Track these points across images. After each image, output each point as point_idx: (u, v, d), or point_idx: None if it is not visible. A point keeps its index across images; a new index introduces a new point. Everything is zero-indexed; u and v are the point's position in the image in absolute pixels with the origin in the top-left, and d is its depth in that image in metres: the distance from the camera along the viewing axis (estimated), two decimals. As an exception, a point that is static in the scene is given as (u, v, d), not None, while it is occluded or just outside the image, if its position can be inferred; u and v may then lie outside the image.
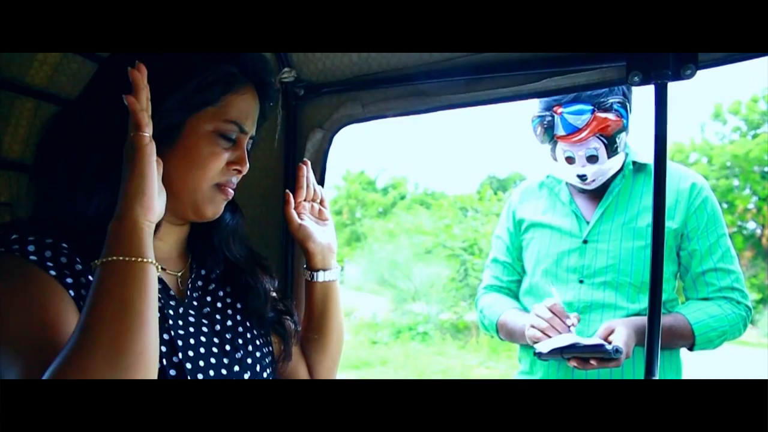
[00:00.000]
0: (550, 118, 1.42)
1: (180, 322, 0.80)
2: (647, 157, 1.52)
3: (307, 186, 1.01)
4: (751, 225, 12.47)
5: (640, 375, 1.41)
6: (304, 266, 1.01)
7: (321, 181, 1.26)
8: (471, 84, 1.09)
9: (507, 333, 1.59)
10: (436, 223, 11.14)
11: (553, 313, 1.38)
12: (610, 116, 1.38)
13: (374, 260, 11.46)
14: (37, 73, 1.08)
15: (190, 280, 0.87)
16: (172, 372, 0.75)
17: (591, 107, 1.37)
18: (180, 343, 0.77)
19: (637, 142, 1.55)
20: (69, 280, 0.70)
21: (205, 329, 0.83)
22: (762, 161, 11.73)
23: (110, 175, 0.73)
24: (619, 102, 1.38)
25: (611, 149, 1.41)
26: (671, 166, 1.50)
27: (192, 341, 0.79)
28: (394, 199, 15.25)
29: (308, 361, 1.00)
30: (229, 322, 0.87)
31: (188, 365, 0.77)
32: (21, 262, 0.69)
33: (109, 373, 0.58)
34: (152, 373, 0.62)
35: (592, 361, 1.32)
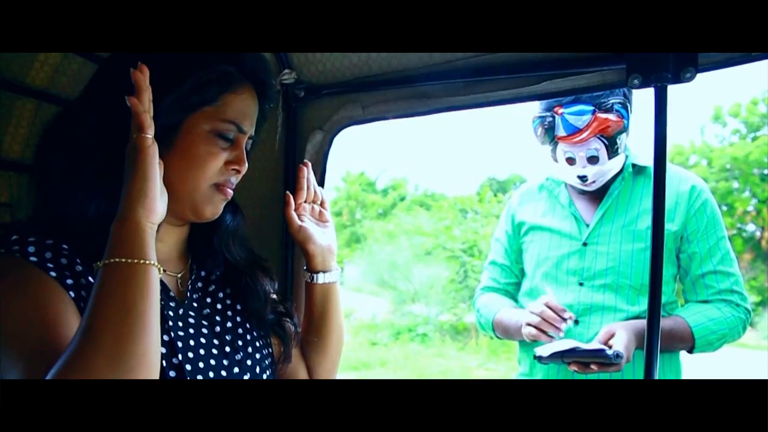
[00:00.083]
0: (550, 119, 1.42)
1: (180, 324, 0.80)
2: (647, 160, 1.52)
3: (308, 187, 1.01)
4: (751, 227, 12.48)
5: (639, 377, 1.41)
6: (304, 268, 1.01)
7: (321, 183, 1.26)
8: (471, 86, 1.09)
9: (503, 330, 1.59)
10: (436, 224, 11.14)
11: (548, 308, 1.38)
12: (611, 117, 1.38)
13: (374, 261, 11.45)
14: (37, 73, 1.08)
15: (190, 281, 0.87)
16: (172, 373, 0.75)
17: (592, 108, 1.38)
18: (180, 344, 0.77)
19: (637, 145, 1.55)
20: (69, 281, 0.70)
21: (204, 331, 0.83)
22: (762, 164, 11.73)
23: (110, 175, 0.73)
24: (619, 102, 1.39)
25: (612, 150, 1.41)
26: (671, 169, 1.50)
27: (192, 343, 0.79)
28: (394, 200, 15.24)
29: (308, 362, 1.00)
30: (229, 324, 0.87)
31: (188, 366, 0.77)
32: (21, 263, 0.69)
33: (111, 375, 0.58)
34: (153, 375, 0.62)
35: (592, 366, 1.32)
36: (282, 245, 1.27)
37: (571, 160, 1.45)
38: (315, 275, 0.99)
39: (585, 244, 1.51)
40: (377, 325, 10.36)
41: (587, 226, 1.52)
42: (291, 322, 0.96)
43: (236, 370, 0.83)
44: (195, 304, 0.85)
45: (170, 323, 0.78)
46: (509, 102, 1.09)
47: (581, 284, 1.49)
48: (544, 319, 1.38)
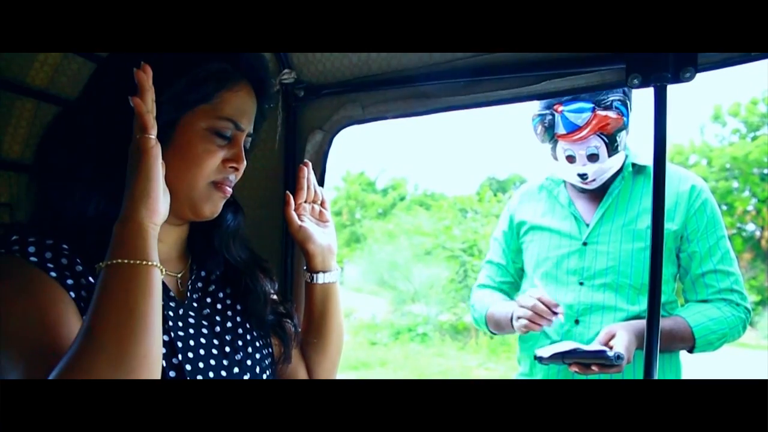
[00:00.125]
0: (550, 117, 1.43)
1: (180, 324, 0.80)
2: (647, 159, 1.52)
3: (308, 187, 1.01)
4: (751, 227, 12.48)
5: (640, 377, 1.41)
6: (304, 268, 1.01)
7: (321, 183, 1.27)
8: (471, 86, 1.10)
9: (495, 324, 1.61)
10: (436, 224, 11.14)
11: (540, 302, 1.38)
12: (611, 114, 1.38)
13: (374, 261, 11.45)
14: (37, 73, 1.08)
15: (190, 281, 0.87)
16: (172, 373, 0.75)
17: (591, 105, 1.38)
18: (180, 344, 0.77)
19: (637, 144, 1.56)
20: (69, 282, 0.70)
21: (204, 331, 0.83)
22: (761, 163, 11.73)
23: (109, 175, 0.73)
24: (619, 100, 1.39)
25: (612, 147, 1.42)
26: (671, 168, 1.50)
27: (192, 343, 0.79)
28: (393, 200, 15.25)
29: (308, 362, 1.00)
30: (229, 324, 0.87)
31: (188, 367, 0.76)
32: (21, 263, 0.69)
33: (113, 376, 0.58)
34: (155, 376, 0.62)
35: (593, 367, 1.32)
36: (282, 245, 1.27)
37: (571, 158, 1.45)
38: (315, 275, 0.99)
39: (585, 244, 1.51)
40: (377, 324, 10.36)
41: (587, 225, 1.53)
42: (291, 322, 0.96)
43: (236, 370, 0.83)
44: (195, 304, 0.85)
45: (170, 323, 0.78)
46: (509, 102, 1.09)
47: (581, 284, 1.49)
48: (535, 312, 1.39)
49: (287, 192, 0.99)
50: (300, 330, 1.00)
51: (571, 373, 1.39)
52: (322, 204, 1.03)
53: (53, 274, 0.69)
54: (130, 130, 0.69)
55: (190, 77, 0.76)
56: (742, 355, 8.07)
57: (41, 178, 0.79)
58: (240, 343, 0.86)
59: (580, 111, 1.38)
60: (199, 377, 0.77)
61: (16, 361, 0.64)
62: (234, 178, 0.83)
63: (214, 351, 0.81)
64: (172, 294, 0.83)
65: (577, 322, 1.48)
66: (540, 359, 1.39)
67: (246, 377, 0.84)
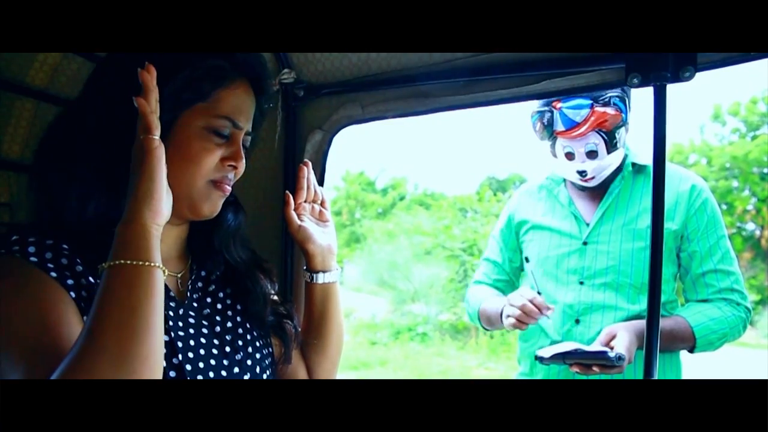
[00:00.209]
0: (549, 114, 1.43)
1: (180, 324, 0.80)
2: (647, 159, 1.52)
3: (308, 187, 1.00)
4: (751, 226, 12.48)
5: (640, 377, 1.41)
6: (304, 268, 1.01)
7: (321, 182, 1.26)
8: (470, 85, 1.09)
9: (486, 319, 1.62)
10: (436, 223, 11.14)
11: (530, 302, 1.39)
12: (609, 110, 1.38)
13: (373, 261, 11.46)
14: (37, 73, 1.08)
15: (190, 281, 0.87)
16: (172, 373, 0.75)
17: (590, 102, 1.38)
18: (180, 344, 0.77)
19: (637, 144, 1.56)
20: (70, 282, 0.70)
21: (205, 331, 0.83)
22: (761, 162, 11.73)
23: (109, 175, 0.73)
24: (617, 96, 1.39)
25: (611, 144, 1.42)
26: (671, 168, 1.50)
27: (192, 343, 0.79)
28: (393, 199, 15.24)
29: (308, 362, 1.00)
30: (229, 324, 0.87)
31: (188, 367, 0.76)
32: (21, 264, 0.69)
33: (115, 376, 0.58)
34: (156, 377, 0.62)
35: (594, 368, 1.32)
36: (282, 245, 1.27)
37: (570, 155, 1.46)
38: (315, 275, 0.99)
39: (585, 243, 1.51)
40: (377, 324, 10.36)
41: (587, 225, 1.53)
42: (291, 323, 0.96)
43: (236, 370, 0.83)
44: (195, 304, 0.85)
45: (170, 323, 0.78)
46: (508, 101, 1.09)
47: (581, 283, 1.49)
48: (523, 312, 1.39)
49: (287, 192, 0.99)
50: (300, 330, 1.00)
51: (571, 373, 1.39)
52: (322, 204, 1.03)
53: (53, 274, 0.69)
54: (129, 130, 0.69)
55: (186, 75, 0.75)
56: (742, 354, 8.07)
57: (41, 178, 0.79)
58: (240, 343, 0.85)
59: (579, 107, 1.38)
60: (199, 377, 0.77)
61: (16, 362, 0.64)
62: (233, 176, 0.83)
63: (214, 351, 0.81)
64: (172, 294, 0.82)
65: (577, 321, 1.48)
66: (541, 359, 1.39)
67: (246, 377, 0.84)
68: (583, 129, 1.39)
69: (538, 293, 1.43)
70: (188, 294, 0.85)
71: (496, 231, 1.73)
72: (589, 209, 1.55)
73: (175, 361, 0.76)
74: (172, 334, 0.77)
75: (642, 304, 1.43)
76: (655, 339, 0.94)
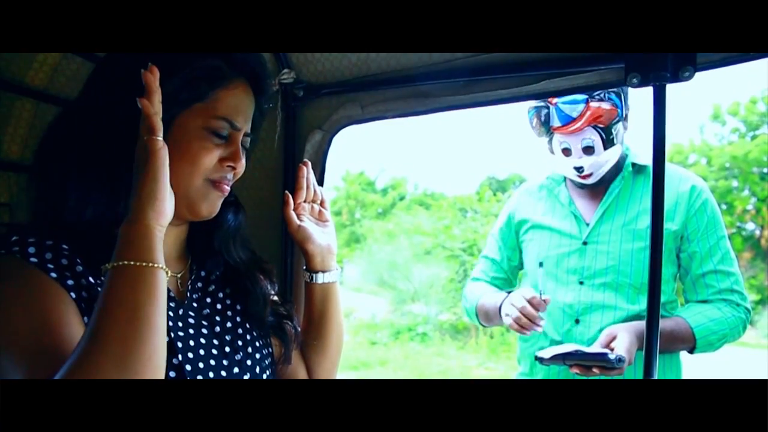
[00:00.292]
0: (545, 110, 1.44)
1: (180, 324, 0.80)
2: (647, 159, 1.52)
3: (307, 187, 1.00)
4: (750, 226, 12.48)
5: (640, 378, 1.41)
6: (304, 268, 1.01)
7: (320, 182, 1.26)
8: (470, 85, 1.09)
9: (484, 314, 1.63)
10: (436, 223, 11.14)
11: (530, 304, 1.39)
12: (605, 105, 1.39)
13: (373, 261, 11.45)
14: (36, 73, 1.08)
15: (189, 281, 0.87)
16: (172, 374, 0.75)
17: (585, 97, 1.39)
18: (180, 344, 0.77)
19: (637, 144, 1.56)
20: (70, 282, 0.70)
21: (204, 331, 0.83)
22: (761, 162, 11.73)
23: (108, 176, 0.73)
24: (613, 92, 1.39)
25: (607, 140, 1.42)
26: (671, 168, 1.50)
27: (192, 343, 0.79)
28: (393, 199, 15.24)
29: (307, 363, 1.00)
30: (229, 324, 0.87)
31: (188, 367, 0.76)
32: (22, 264, 0.69)
33: (118, 378, 0.58)
34: (159, 378, 0.62)
35: (594, 369, 1.32)
36: (282, 245, 1.27)
37: (566, 151, 1.46)
38: (314, 275, 0.99)
39: (585, 243, 1.51)
40: (377, 324, 10.36)
41: (587, 225, 1.53)
42: (291, 324, 0.96)
43: (236, 370, 0.83)
44: (195, 305, 0.85)
45: (170, 323, 0.78)
46: (508, 101, 1.09)
47: (581, 283, 1.49)
48: (522, 315, 1.39)
49: (286, 192, 0.99)
50: (300, 330, 1.00)
51: (571, 373, 1.39)
52: (321, 203, 1.03)
53: (53, 274, 0.69)
54: (128, 130, 0.69)
55: (183, 75, 0.75)
56: (742, 354, 8.07)
57: (41, 178, 0.79)
58: (240, 343, 0.85)
59: (574, 103, 1.39)
60: (199, 377, 0.77)
61: (17, 363, 0.64)
62: (232, 177, 0.83)
63: (214, 351, 0.81)
64: (171, 294, 0.82)
65: (577, 321, 1.48)
66: (541, 360, 1.39)
67: (246, 377, 0.84)
68: (579, 124, 1.40)
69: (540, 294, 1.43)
70: (188, 294, 0.85)
71: (496, 230, 1.73)
72: (589, 209, 1.55)
73: (174, 361, 0.76)
74: (172, 335, 0.77)
75: (641, 304, 1.43)
76: (655, 340, 0.94)
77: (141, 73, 0.67)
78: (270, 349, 0.91)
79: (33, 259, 0.69)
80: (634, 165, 1.53)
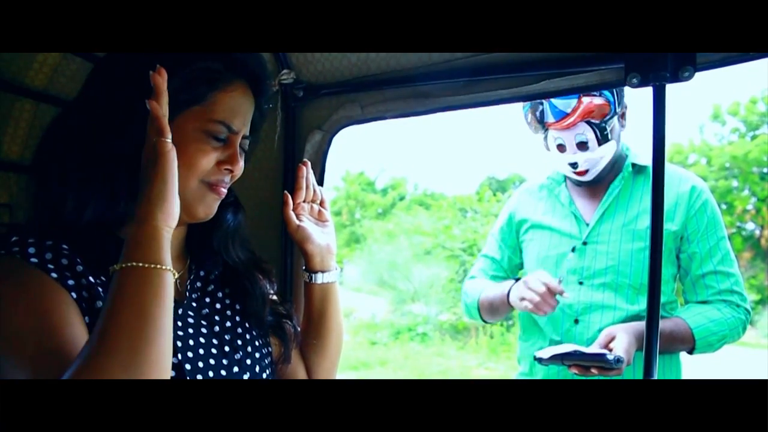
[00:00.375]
0: (540, 106, 1.44)
1: (179, 324, 0.80)
2: (647, 159, 1.52)
3: (307, 187, 1.00)
4: (750, 226, 12.48)
5: (639, 377, 1.41)
6: (303, 268, 1.01)
7: (320, 182, 1.26)
8: (470, 85, 1.09)
9: (489, 304, 1.61)
10: (436, 223, 11.14)
11: (548, 288, 1.39)
12: (597, 100, 1.39)
13: (373, 261, 11.45)
14: (36, 74, 1.08)
15: (189, 281, 0.87)
16: (172, 373, 0.75)
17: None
18: (179, 344, 0.77)
19: (637, 144, 1.56)
20: (70, 282, 0.70)
21: (204, 330, 0.83)
22: (761, 162, 11.73)
23: (108, 176, 0.73)
24: None
25: (601, 136, 1.43)
26: (671, 169, 1.50)
27: (191, 343, 0.79)
28: (393, 199, 15.24)
29: (307, 363, 1.00)
30: (228, 324, 0.87)
31: (188, 366, 0.76)
32: (22, 265, 0.69)
33: (125, 379, 0.58)
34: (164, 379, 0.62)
35: (593, 369, 1.32)
36: (281, 245, 1.27)
37: (561, 147, 1.47)
38: (314, 275, 0.99)
39: (585, 243, 1.51)
40: (377, 324, 10.36)
41: (587, 225, 1.53)
42: (290, 323, 0.96)
43: (236, 369, 0.83)
44: (194, 304, 0.85)
45: (170, 323, 0.78)
46: (508, 101, 1.09)
47: (581, 283, 1.49)
48: (542, 298, 1.39)
49: (285, 192, 0.99)
50: (299, 330, 1.00)
51: (571, 373, 1.39)
52: (321, 203, 1.03)
53: (54, 275, 0.69)
54: (127, 130, 0.69)
55: (180, 77, 0.74)
56: (741, 354, 8.07)
57: (41, 178, 0.79)
58: (239, 342, 0.85)
59: (567, 98, 1.39)
60: (199, 377, 0.77)
61: (19, 364, 0.64)
62: (229, 179, 0.82)
63: (214, 351, 0.81)
64: (171, 294, 0.82)
65: (576, 321, 1.48)
66: (539, 360, 1.39)
67: (245, 376, 0.84)
68: (572, 119, 1.40)
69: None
70: (187, 294, 0.85)
71: (496, 229, 1.73)
72: (589, 209, 1.55)
73: (174, 360, 0.76)
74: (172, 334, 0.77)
75: (641, 305, 1.43)
76: (655, 340, 0.94)
77: (149, 75, 0.67)
78: (269, 349, 0.91)
79: (33, 260, 0.69)
80: (634, 165, 1.53)
